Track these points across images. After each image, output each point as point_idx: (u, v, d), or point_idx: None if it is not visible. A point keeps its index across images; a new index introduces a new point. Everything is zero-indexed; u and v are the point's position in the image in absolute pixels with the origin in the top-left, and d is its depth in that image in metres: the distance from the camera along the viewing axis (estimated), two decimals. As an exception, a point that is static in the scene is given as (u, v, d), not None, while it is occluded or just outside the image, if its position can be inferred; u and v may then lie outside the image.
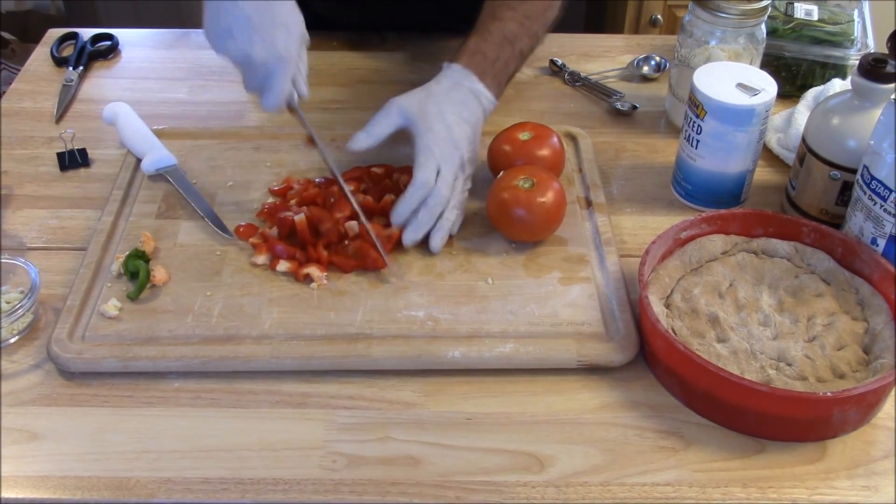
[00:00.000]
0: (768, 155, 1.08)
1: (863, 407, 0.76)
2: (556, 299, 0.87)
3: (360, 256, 0.90)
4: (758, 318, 0.83)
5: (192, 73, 1.24)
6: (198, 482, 0.73)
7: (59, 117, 1.15)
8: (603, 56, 1.29)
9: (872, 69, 0.89)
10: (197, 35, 1.33)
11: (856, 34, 1.15)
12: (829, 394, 0.72)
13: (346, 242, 0.92)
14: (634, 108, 1.16)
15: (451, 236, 0.94)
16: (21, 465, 0.74)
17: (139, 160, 1.04)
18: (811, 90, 1.11)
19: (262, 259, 0.91)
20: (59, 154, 1.07)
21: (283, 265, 0.90)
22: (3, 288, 0.87)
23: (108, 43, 1.29)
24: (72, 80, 1.21)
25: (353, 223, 0.92)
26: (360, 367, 0.81)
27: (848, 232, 0.89)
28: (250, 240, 0.93)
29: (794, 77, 1.16)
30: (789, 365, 0.79)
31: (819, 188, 0.94)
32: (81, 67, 1.24)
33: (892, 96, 0.84)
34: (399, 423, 0.77)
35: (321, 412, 0.78)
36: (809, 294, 0.85)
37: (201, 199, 0.98)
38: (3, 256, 0.87)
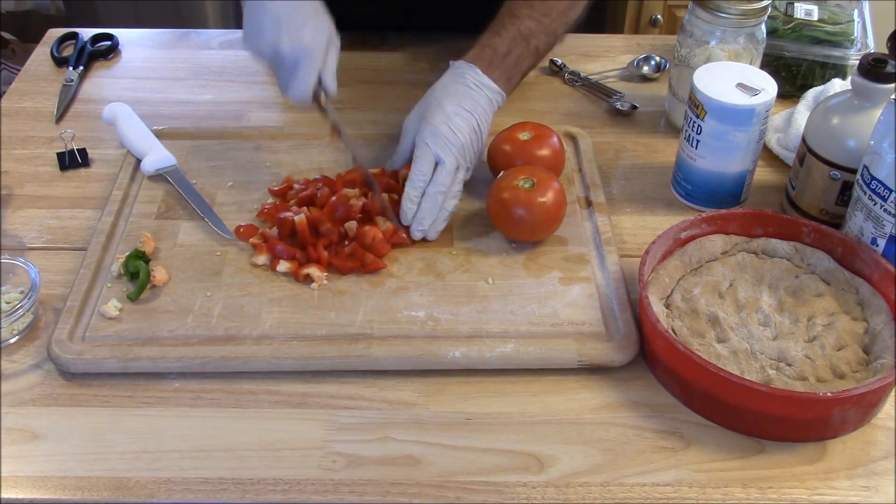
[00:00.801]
0: (768, 155, 1.08)
1: (863, 407, 0.76)
2: (557, 299, 0.87)
3: (357, 258, 0.90)
4: (758, 318, 0.83)
5: (192, 73, 1.24)
6: (198, 482, 0.73)
7: (59, 117, 1.15)
8: (603, 56, 1.29)
9: (872, 69, 0.89)
10: (197, 35, 1.34)
11: (856, 34, 1.15)
12: (829, 394, 0.72)
13: (346, 243, 0.92)
14: (634, 108, 1.16)
15: (451, 238, 0.94)
16: (21, 465, 0.74)
17: (139, 160, 1.04)
18: (811, 90, 1.11)
19: (262, 259, 0.91)
20: (59, 154, 1.07)
21: (283, 265, 0.90)
22: (3, 288, 0.87)
23: (108, 43, 1.29)
24: (72, 80, 1.21)
25: (353, 223, 0.93)
26: (361, 368, 0.81)
27: (848, 232, 0.89)
28: (250, 240, 0.93)
29: (794, 77, 1.16)
30: (789, 365, 0.79)
31: (819, 188, 0.94)
32: (81, 67, 1.24)
33: (892, 96, 0.84)
34: (399, 423, 0.77)
35: (321, 412, 0.78)
36: (809, 294, 0.85)
37: (201, 200, 0.98)
38: (3, 256, 0.87)
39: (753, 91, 0.93)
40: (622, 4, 2.14)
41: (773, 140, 1.08)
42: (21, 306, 0.83)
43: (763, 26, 1.05)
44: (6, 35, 2.31)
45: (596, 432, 0.77)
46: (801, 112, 1.08)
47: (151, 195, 1.00)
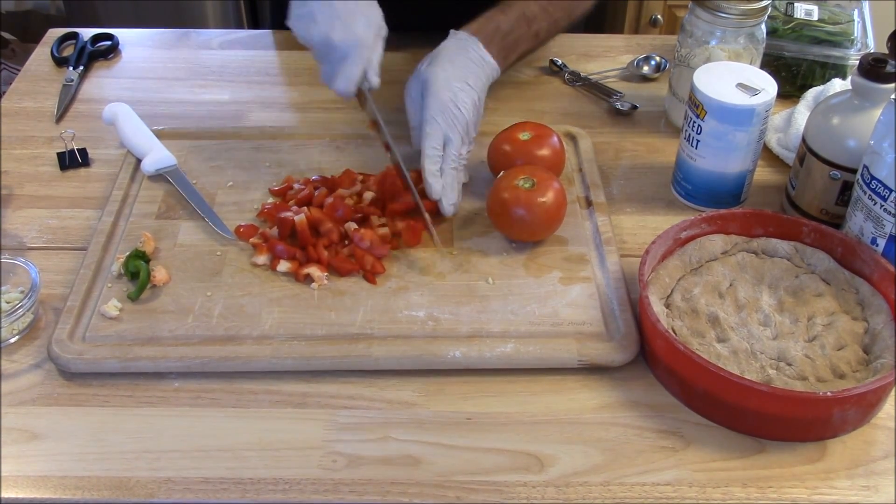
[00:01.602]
0: (768, 155, 1.08)
1: (863, 407, 0.76)
2: (557, 299, 0.87)
3: (357, 260, 0.90)
4: (758, 317, 0.83)
5: (192, 73, 1.24)
6: (198, 482, 0.73)
7: (60, 117, 1.15)
8: (603, 56, 1.29)
9: (872, 69, 0.89)
10: (197, 35, 1.34)
11: (856, 34, 1.15)
12: (829, 394, 0.72)
13: (346, 243, 0.92)
14: (634, 108, 1.16)
15: (451, 238, 0.94)
16: (21, 465, 0.74)
17: (139, 160, 1.04)
18: (811, 90, 1.11)
19: (262, 259, 0.91)
20: (59, 154, 1.07)
21: (283, 265, 0.90)
22: (3, 288, 0.87)
23: (109, 43, 1.29)
24: (72, 80, 1.21)
25: (352, 224, 0.93)
26: (361, 367, 0.81)
27: (848, 232, 0.89)
28: (251, 240, 0.93)
29: (794, 77, 1.16)
30: (789, 365, 0.79)
31: (819, 188, 0.94)
32: (81, 67, 1.24)
33: (892, 96, 0.84)
34: (399, 422, 0.77)
35: (321, 412, 0.78)
36: (809, 294, 0.85)
37: (201, 199, 0.98)
38: (3, 256, 0.87)
39: (753, 91, 0.93)
40: (622, 4, 2.14)
41: (773, 140, 1.09)
42: (21, 306, 0.83)
43: (763, 26, 1.05)
44: (6, 35, 2.31)
45: (596, 432, 0.77)
46: (801, 112, 1.08)
47: (151, 195, 1.00)
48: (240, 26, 2.27)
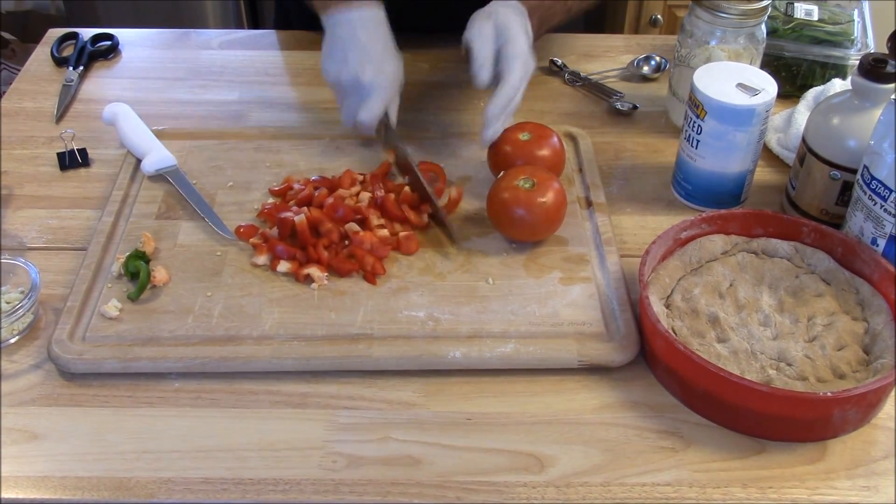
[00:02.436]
0: (768, 155, 1.08)
1: (863, 407, 0.76)
2: (557, 299, 0.87)
3: (358, 260, 0.90)
4: (758, 318, 0.83)
5: (192, 73, 1.24)
6: (198, 482, 0.73)
7: (60, 117, 1.15)
8: (603, 56, 1.29)
9: (872, 69, 0.89)
10: (197, 35, 1.34)
11: (856, 34, 1.15)
12: (829, 394, 0.72)
13: (346, 243, 0.92)
14: (634, 108, 1.17)
15: (451, 237, 0.94)
16: (21, 465, 0.74)
17: (139, 160, 1.04)
18: (811, 90, 1.11)
19: (262, 259, 0.91)
20: (59, 154, 1.07)
21: (283, 266, 0.90)
22: (3, 288, 0.87)
23: (109, 43, 1.29)
24: (72, 80, 1.21)
25: (353, 224, 0.93)
26: (361, 368, 0.81)
27: (848, 232, 0.89)
28: (251, 240, 0.93)
29: (794, 77, 1.16)
30: (789, 365, 0.79)
31: (819, 188, 0.94)
32: (81, 67, 1.24)
33: (892, 96, 0.84)
34: (399, 423, 0.77)
35: (321, 412, 0.78)
36: (809, 294, 0.85)
37: (201, 200, 0.98)
38: (3, 256, 0.87)
39: (753, 91, 0.93)
40: (622, 4, 2.14)
41: (773, 140, 1.09)
42: (21, 306, 0.83)
43: (763, 26, 1.05)
44: (6, 35, 2.31)
45: (596, 432, 0.77)
46: (801, 112, 1.08)
47: (151, 195, 1.00)
48: (240, 26, 2.28)
